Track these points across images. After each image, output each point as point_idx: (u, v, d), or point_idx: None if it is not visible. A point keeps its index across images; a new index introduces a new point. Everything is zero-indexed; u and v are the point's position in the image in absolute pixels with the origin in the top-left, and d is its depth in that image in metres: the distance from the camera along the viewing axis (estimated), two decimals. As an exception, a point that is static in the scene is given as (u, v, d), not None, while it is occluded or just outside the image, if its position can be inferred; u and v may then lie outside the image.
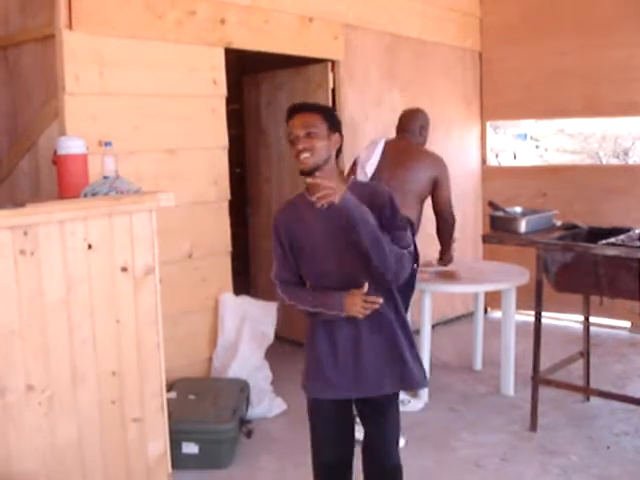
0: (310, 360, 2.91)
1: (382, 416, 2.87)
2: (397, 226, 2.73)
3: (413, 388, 2.92)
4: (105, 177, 3.24)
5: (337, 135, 2.78)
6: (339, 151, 2.83)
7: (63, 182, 3.27)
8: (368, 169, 4.48)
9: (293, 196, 2.97)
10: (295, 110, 2.78)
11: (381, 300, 2.67)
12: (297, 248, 2.83)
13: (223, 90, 4.66)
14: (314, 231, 2.78)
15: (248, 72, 6.30)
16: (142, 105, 4.20)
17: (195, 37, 4.44)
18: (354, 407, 2.94)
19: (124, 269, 3.21)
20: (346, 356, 2.79)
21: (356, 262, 2.71)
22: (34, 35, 4.03)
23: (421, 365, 2.90)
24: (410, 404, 4.66)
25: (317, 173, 2.68)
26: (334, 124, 2.78)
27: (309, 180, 2.67)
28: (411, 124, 4.71)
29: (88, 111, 3.92)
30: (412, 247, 2.78)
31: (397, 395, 2.90)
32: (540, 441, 4.21)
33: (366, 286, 2.66)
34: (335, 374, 2.81)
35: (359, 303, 2.66)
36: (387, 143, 4.61)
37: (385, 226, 2.68)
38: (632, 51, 6.08)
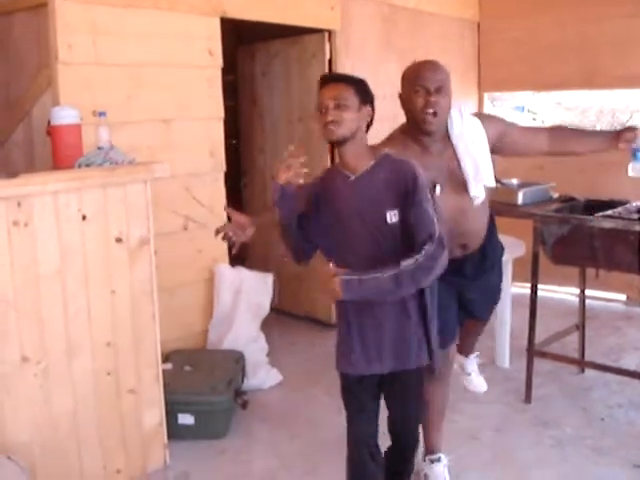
0: (343, 344, 2.86)
1: (404, 393, 2.90)
2: (421, 213, 2.65)
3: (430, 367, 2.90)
4: (99, 148, 3.23)
5: (368, 108, 2.72)
6: (370, 124, 2.75)
7: (57, 153, 3.25)
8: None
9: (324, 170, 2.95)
10: (327, 80, 2.75)
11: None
12: (322, 218, 2.78)
13: (219, 61, 4.61)
14: (344, 204, 2.72)
15: (244, 42, 6.24)
16: (136, 75, 4.15)
17: (190, 6, 4.38)
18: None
19: (119, 240, 3.20)
20: (374, 332, 2.77)
21: (383, 241, 2.69)
22: (26, 4, 3.97)
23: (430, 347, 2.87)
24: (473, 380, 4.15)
25: (346, 145, 2.67)
26: (366, 97, 2.72)
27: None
28: None
29: (82, 81, 3.87)
30: (436, 230, 2.65)
31: (419, 372, 2.88)
32: (534, 413, 4.22)
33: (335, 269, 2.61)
34: (366, 355, 2.79)
35: (328, 280, 2.60)
36: None
37: (408, 210, 2.65)
38: (630, 23, 6.03)
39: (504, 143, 3.26)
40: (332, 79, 2.75)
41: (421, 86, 2.99)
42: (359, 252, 2.71)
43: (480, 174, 3.13)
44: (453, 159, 3.12)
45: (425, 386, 3.13)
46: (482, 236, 3.33)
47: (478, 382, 4.04)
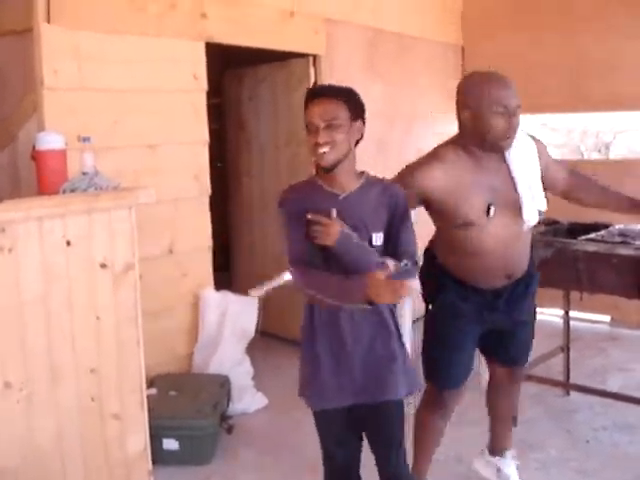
0: (308, 365, 2.66)
1: (384, 423, 2.69)
2: (406, 230, 2.58)
3: (413, 392, 2.71)
4: (84, 173, 3.22)
5: (359, 123, 2.53)
6: (359, 140, 2.57)
7: (42, 178, 3.25)
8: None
9: (300, 181, 2.72)
10: (315, 95, 2.52)
11: (416, 284, 2.50)
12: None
13: (204, 85, 4.63)
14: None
15: (232, 66, 6.27)
16: (122, 100, 4.17)
17: (176, 31, 4.42)
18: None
19: (103, 265, 3.19)
20: (347, 360, 2.57)
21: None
22: (11, 28, 3.99)
23: (412, 367, 2.73)
24: None
25: (338, 168, 2.50)
26: (356, 111, 2.52)
27: (309, 217, 2.45)
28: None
29: (67, 106, 3.88)
30: (416, 255, 2.60)
31: (401, 401, 2.69)
32: (520, 435, 4.21)
33: (391, 265, 2.45)
34: (336, 380, 2.58)
35: (390, 286, 2.33)
36: None
37: (394, 227, 2.56)
38: (614, 45, 6.09)
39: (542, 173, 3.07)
40: (320, 94, 2.52)
41: (504, 107, 2.77)
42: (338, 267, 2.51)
43: (535, 196, 2.96)
44: (507, 178, 2.93)
45: (424, 412, 3.12)
46: (526, 265, 3.12)
47: None
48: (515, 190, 2.92)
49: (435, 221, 3.04)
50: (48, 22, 3.79)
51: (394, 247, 2.55)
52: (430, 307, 3.04)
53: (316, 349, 2.60)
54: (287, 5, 5.15)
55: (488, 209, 2.81)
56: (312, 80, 5.49)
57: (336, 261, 2.50)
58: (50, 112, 3.81)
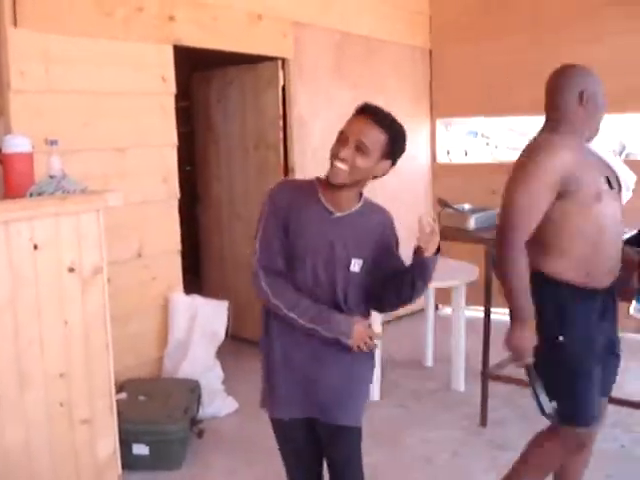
0: (267, 375, 2.63)
1: (343, 447, 2.63)
2: (397, 250, 2.61)
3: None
4: (51, 176, 3.20)
5: (387, 163, 2.46)
6: (378, 177, 2.51)
7: (9, 181, 3.22)
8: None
9: (303, 180, 2.64)
10: (366, 111, 2.42)
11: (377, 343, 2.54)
12: (290, 240, 2.48)
13: (172, 87, 4.62)
14: (316, 238, 2.46)
15: (199, 68, 6.26)
16: (90, 103, 4.14)
17: (144, 34, 4.40)
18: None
19: (71, 269, 3.17)
20: (305, 371, 2.54)
21: (350, 283, 2.52)
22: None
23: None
24: None
25: (343, 189, 2.44)
26: (393, 151, 2.44)
27: (422, 220, 2.40)
28: (546, 101, 3.26)
29: (34, 109, 3.86)
30: None
31: (360, 428, 2.62)
32: (490, 436, 4.26)
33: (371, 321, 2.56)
34: (293, 391, 2.55)
35: (366, 337, 2.48)
36: None
37: (390, 250, 2.58)
38: (582, 49, 6.14)
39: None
40: (370, 113, 2.41)
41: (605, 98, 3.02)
42: (318, 284, 2.50)
43: (623, 173, 3.03)
44: (600, 159, 2.99)
45: (566, 459, 3.08)
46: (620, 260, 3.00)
47: None
48: (609, 167, 2.98)
49: (559, 214, 2.88)
50: (15, 25, 3.76)
51: (399, 267, 2.56)
52: (561, 338, 2.88)
53: (273, 357, 2.57)
54: (255, 8, 5.15)
55: (608, 181, 2.84)
56: (281, 83, 5.49)
57: (302, 268, 2.48)
58: (17, 115, 3.78)
